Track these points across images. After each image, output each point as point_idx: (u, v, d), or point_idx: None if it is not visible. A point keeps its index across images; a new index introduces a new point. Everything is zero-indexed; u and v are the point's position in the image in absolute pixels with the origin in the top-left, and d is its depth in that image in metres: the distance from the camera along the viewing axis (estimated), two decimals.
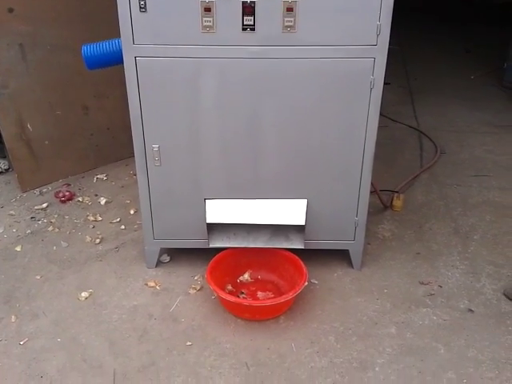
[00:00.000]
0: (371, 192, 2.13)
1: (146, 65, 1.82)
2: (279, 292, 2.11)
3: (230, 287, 2.13)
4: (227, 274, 2.15)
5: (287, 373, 1.80)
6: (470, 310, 2.06)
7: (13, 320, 2.01)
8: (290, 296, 1.95)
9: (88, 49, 1.94)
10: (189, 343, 1.91)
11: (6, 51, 2.56)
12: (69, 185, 2.89)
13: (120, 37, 1.79)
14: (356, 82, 1.85)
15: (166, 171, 2.03)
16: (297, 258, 2.11)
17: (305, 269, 2.04)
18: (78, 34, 2.53)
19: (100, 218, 2.61)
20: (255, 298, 2.11)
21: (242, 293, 2.13)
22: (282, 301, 1.95)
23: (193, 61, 1.82)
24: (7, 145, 2.74)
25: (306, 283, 2.00)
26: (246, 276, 2.19)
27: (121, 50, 1.81)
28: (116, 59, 1.89)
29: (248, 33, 1.77)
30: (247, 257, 2.19)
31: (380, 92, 1.86)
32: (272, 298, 2.09)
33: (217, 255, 2.13)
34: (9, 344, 1.91)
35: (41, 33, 2.61)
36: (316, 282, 2.19)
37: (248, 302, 2.06)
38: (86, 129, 2.93)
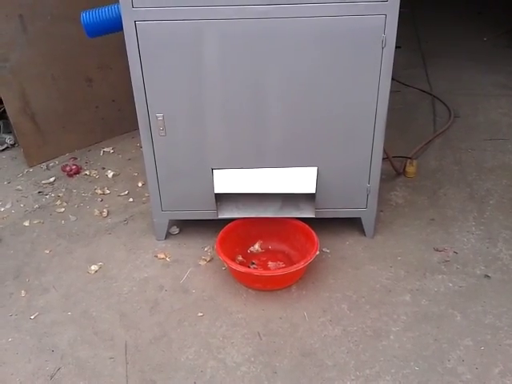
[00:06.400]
0: (383, 158, 2.07)
1: (146, 29, 1.76)
2: (290, 262, 2.07)
3: (240, 258, 2.10)
4: (237, 244, 2.11)
5: (300, 342, 1.78)
6: (487, 276, 2.01)
7: (23, 295, 2.00)
8: (301, 265, 1.91)
9: (87, 15, 1.88)
10: (200, 314, 1.89)
11: (6, 23, 2.49)
12: (75, 158, 2.85)
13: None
14: (367, 41, 1.77)
15: (171, 141, 1.98)
16: (308, 227, 2.06)
17: (316, 238, 2.01)
18: (78, 3, 2.43)
19: (108, 191, 2.58)
20: (266, 268, 2.08)
21: (253, 263, 2.10)
22: (294, 270, 1.92)
23: (194, 23, 1.75)
24: (12, 119, 2.70)
25: (318, 252, 1.96)
26: (257, 246, 2.16)
27: (121, 15, 1.75)
28: (117, 25, 1.82)
29: None
30: (257, 227, 2.15)
31: (392, 51, 1.78)
32: (283, 267, 2.06)
33: (226, 226, 2.10)
34: (19, 319, 1.90)
35: (41, 2, 2.54)
36: (328, 250, 2.15)
37: (259, 271, 2.03)
38: (90, 101, 2.88)
